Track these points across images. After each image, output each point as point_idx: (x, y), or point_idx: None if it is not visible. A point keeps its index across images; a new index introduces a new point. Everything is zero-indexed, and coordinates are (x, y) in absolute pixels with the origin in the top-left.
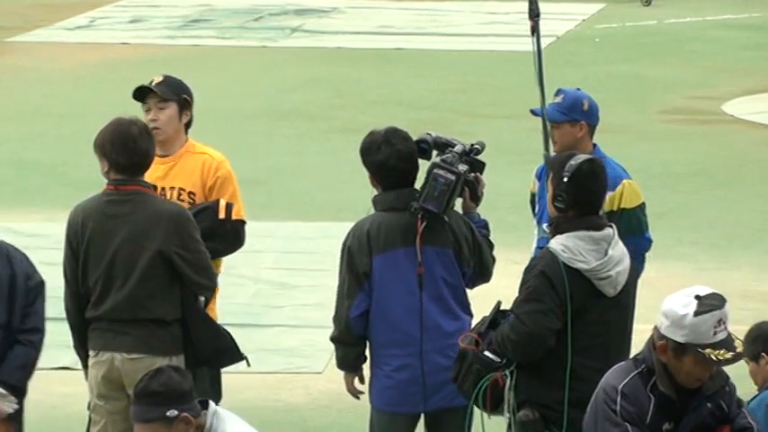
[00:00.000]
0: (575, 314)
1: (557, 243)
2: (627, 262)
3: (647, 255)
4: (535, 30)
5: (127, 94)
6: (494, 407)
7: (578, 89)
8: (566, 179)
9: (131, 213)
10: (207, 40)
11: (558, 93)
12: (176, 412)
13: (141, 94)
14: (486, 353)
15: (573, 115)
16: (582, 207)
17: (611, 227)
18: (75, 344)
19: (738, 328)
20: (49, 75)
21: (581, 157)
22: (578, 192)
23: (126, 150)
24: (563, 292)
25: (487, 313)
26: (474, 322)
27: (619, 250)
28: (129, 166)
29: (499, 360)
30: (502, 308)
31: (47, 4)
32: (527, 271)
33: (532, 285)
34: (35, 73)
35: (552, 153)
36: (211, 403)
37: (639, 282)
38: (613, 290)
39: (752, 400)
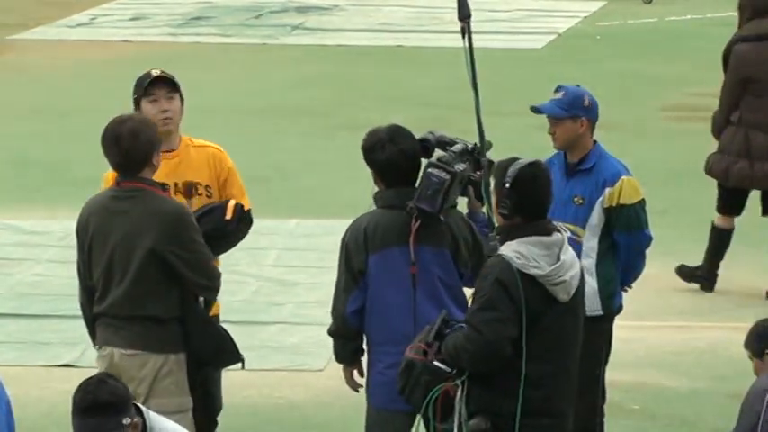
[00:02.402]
0: (529, 321)
1: (509, 249)
2: (578, 266)
3: (648, 252)
4: (466, 31)
5: (129, 91)
6: (443, 418)
7: (578, 85)
8: (507, 185)
9: (129, 211)
10: (208, 37)
11: (558, 89)
12: (129, 419)
13: (151, 83)
14: (436, 363)
15: (574, 111)
16: (527, 213)
17: (560, 232)
18: (90, 337)
19: (741, 326)
20: (50, 72)
21: (522, 162)
22: (521, 198)
23: (111, 150)
24: (518, 299)
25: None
26: None
27: (570, 255)
28: (118, 166)
29: (449, 370)
30: (445, 317)
31: (48, 1)
32: (481, 279)
33: (487, 294)
34: (36, 71)
35: (551, 150)
36: (141, 405)
37: (641, 279)
38: (567, 295)
39: None
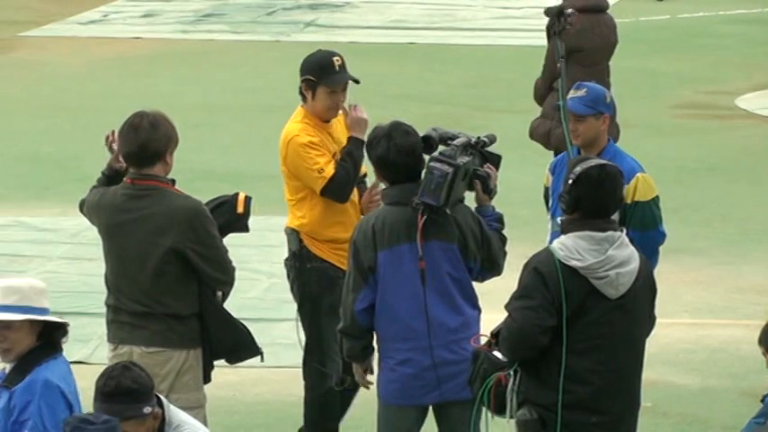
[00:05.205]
0: (573, 314)
1: (557, 242)
2: (634, 265)
3: (660, 249)
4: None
5: (140, 88)
6: (498, 408)
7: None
8: (570, 181)
9: (146, 209)
10: (220, 34)
11: (579, 86)
12: (150, 409)
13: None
14: (495, 352)
15: (598, 108)
16: (585, 211)
17: (618, 230)
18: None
19: (753, 323)
20: (61, 69)
21: (591, 162)
22: (580, 196)
23: (126, 140)
24: (557, 289)
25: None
26: (483, 317)
27: (624, 252)
28: (132, 156)
29: (505, 360)
30: None
31: None
32: (524, 267)
33: (524, 282)
34: (48, 68)
35: (571, 148)
36: (161, 396)
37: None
38: (615, 291)
39: None
